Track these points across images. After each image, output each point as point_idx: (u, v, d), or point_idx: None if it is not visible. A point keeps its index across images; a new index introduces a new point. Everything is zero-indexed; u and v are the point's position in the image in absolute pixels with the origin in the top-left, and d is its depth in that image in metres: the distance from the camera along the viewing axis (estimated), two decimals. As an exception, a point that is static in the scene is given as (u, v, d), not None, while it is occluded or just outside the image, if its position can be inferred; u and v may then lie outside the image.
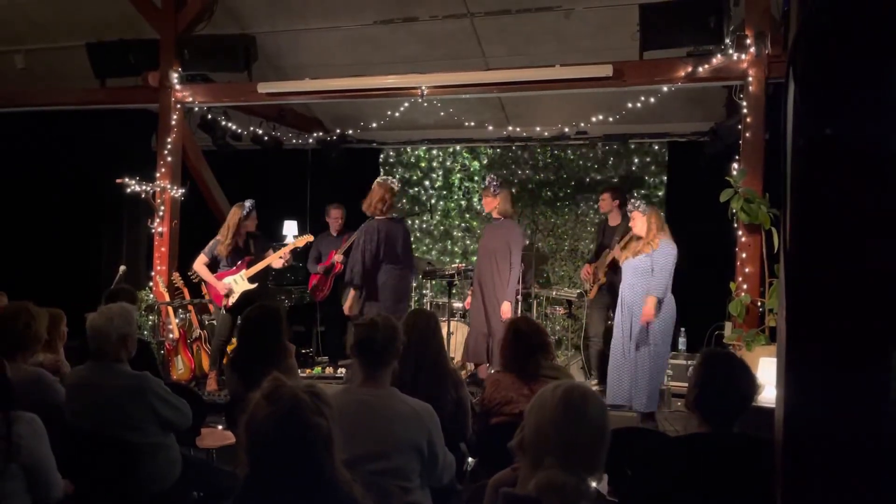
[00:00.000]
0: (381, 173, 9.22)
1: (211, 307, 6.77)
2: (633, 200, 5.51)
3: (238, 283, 6.12)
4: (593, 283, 6.37)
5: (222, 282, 6.12)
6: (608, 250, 6.23)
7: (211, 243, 6.26)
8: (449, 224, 9.13)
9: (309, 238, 6.65)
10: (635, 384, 5.20)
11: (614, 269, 5.95)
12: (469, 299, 6.44)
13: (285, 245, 6.45)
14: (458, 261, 8.52)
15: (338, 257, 7.03)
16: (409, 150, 9.26)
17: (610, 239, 6.32)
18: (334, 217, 7.29)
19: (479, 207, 8.99)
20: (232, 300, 6.09)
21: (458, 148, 9.05)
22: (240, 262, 6.17)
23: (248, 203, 6.19)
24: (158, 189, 7.14)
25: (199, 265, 6.23)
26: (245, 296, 6.05)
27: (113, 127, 8.54)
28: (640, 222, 5.32)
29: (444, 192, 9.17)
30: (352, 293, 5.80)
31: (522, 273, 6.17)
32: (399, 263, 5.80)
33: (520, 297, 6.25)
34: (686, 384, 2.59)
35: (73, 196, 8.84)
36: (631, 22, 5.94)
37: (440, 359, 3.53)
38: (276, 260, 6.22)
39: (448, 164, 9.17)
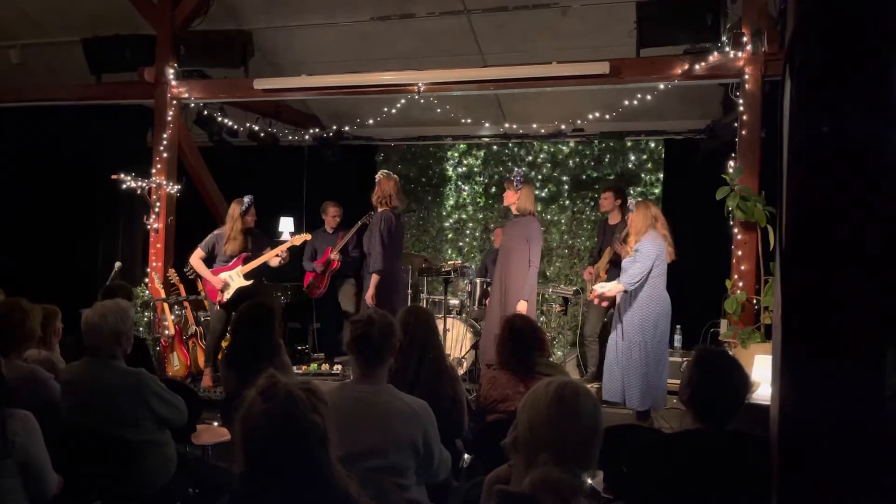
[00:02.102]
0: (377, 170, 9.21)
1: (206, 303, 6.76)
2: (630, 198, 5.55)
3: (234, 279, 6.11)
4: (595, 282, 6.37)
5: (218, 277, 6.11)
6: (608, 249, 6.24)
7: (208, 238, 6.24)
8: (445, 221, 9.13)
9: (306, 237, 6.67)
10: (628, 381, 5.18)
11: (615, 266, 5.95)
12: (490, 299, 6.39)
13: (283, 243, 6.44)
14: (453, 258, 8.51)
15: (334, 255, 7.05)
16: (405, 146, 9.25)
17: (610, 238, 6.33)
18: (332, 215, 7.35)
19: (474, 206, 9.00)
20: (227, 295, 6.08)
21: (454, 145, 9.05)
22: (236, 259, 6.16)
23: (246, 199, 6.18)
24: (154, 185, 7.12)
25: (196, 260, 6.22)
26: (240, 292, 6.03)
27: (108, 123, 8.52)
28: (630, 219, 5.38)
29: (440, 190, 9.16)
30: (374, 279, 5.77)
31: None
32: (399, 258, 5.85)
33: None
34: (680, 381, 2.60)
35: (69, 192, 8.81)
36: (628, 19, 5.95)
37: (440, 354, 3.56)
38: (272, 257, 6.22)
39: (444, 161, 9.16)
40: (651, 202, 5.64)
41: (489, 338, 5.91)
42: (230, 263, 6.15)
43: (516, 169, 6.12)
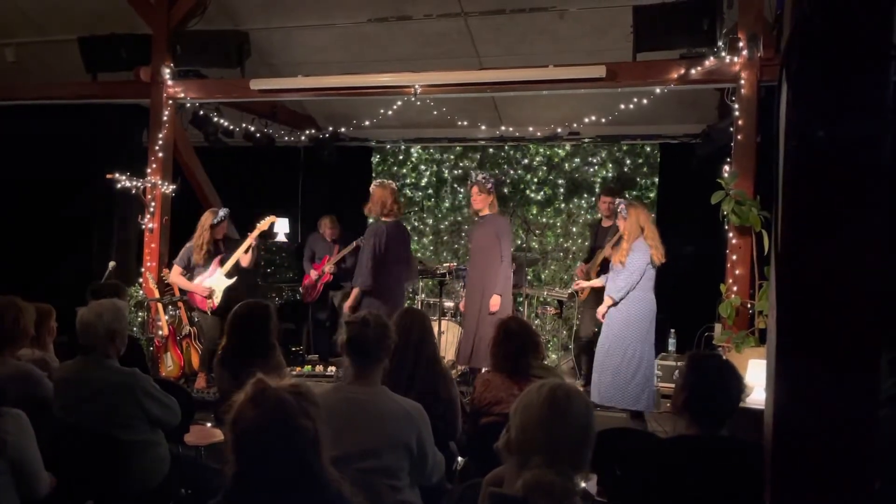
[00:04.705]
0: (373, 172, 9.22)
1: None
2: (618, 203, 5.53)
3: (217, 282, 6.05)
4: (586, 280, 6.38)
5: (202, 286, 6.05)
6: (600, 251, 6.24)
7: (182, 252, 6.18)
8: (441, 223, 9.13)
9: (272, 219, 6.39)
10: (621, 384, 5.19)
11: (606, 269, 5.96)
12: (463, 301, 6.41)
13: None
14: (449, 260, 8.51)
15: (328, 268, 7.05)
16: (401, 148, 9.25)
17: (602, 240, 6.34)
18: (327, 231, 7.28)
19: (469, 208, 8.99)
20: (217, 299, 6.02)
21: (450, 147, 9.05)
22: (213, 264, 6.09)
23: (221, 212, 6.12)
24: (149, 185, 7.10)
25: (176, 276, 6.18)
26: (229, 293, 5.98)
27: (104, 122, 8.49)
28: (622, 226, 5.43)
29: (437, 192, 9.16)
30: (355, 291, 5.73)
31: (513, 273, 6.15)
32: (401, 265, 5.82)
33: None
34: (674, 385, 2.60)
35: (64, 191, 8.78)
36: (625, 23, 5.95)
37: (437, 357, 3.56)
38: (246, 247, 6.06)
39: (441, 162, 9.16)
40: (641, 204, 5.66)
41: (467, 338, 5.93)
42: (208, 270, 6.08)
43: (483, 174, 6.13)
